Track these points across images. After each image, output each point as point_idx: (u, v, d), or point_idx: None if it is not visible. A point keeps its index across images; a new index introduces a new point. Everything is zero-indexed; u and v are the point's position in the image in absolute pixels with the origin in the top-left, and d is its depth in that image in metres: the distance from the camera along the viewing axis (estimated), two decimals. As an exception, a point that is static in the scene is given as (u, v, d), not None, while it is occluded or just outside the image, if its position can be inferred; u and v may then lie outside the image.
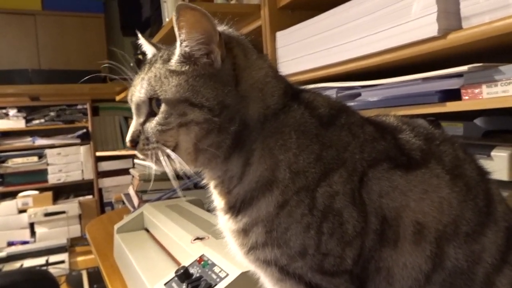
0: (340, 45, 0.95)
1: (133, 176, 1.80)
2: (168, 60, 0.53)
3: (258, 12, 1.25)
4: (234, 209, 0.53)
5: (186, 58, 0.52)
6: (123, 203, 1.90)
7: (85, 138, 3.48)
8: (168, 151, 0.51)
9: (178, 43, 0.52)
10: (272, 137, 0.51)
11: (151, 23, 2.97)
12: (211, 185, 0.58)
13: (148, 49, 0.62)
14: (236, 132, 0.52)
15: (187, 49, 0.51)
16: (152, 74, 0.53)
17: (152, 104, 0.52)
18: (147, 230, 1.22)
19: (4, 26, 3.34)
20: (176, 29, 0.51)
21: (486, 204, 0.53)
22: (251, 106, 0.52)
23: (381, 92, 0.92)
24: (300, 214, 0.49)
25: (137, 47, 2.52)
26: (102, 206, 3.50)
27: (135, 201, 1.60)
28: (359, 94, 0.97)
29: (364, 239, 0.49)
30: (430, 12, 0.73)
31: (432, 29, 0.74)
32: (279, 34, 1.18)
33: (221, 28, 0.55)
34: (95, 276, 2.45)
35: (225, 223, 0.55)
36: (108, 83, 3.09)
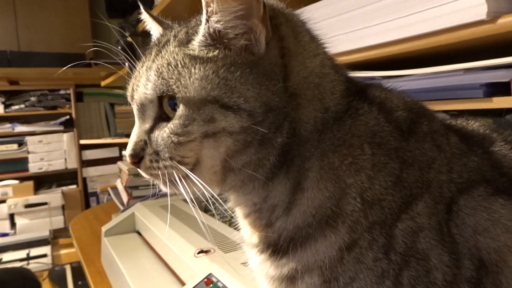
0: (365, 29, 0.83)
1: (120, 170, 1.67)
2: (187, 41, 0.39)
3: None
4: (276, 249, 0.40)
5: (215, 39, 0.38)
6: (109, 195, 1.79)
7: (68, 125, 3.33)
8: (187, 171, 0.38)
9: (204, 18, 0.38)
10: (335, 151, 0.38)
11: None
12: (240, 213, 0.44)
13: (153, 27, 0.47)
14: (283, 145, 0.39)
15: (218, 25, 0.38)
16: (164, 61, 0.39)
17: (163, 104, 0.39)
18: (139, 233, 1.10)
19: (-21, 5, 3.13)
20: None
21: None
22: (304, 108, 0.39)
23: (407, 84, 0.81)
24: (373, 259, 0.36)
25: (125, 29, 2.36)
26: (87, 196, 3.37)
27: (124, 197, 1.47)
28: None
29: None
30: (479, -9, 0.62)
31: (480, 11, 0.63)
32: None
33: None
34: (80, 272, 2.32)
35: (259, 265, 0.42)
36: (93, 67, 2.92)
